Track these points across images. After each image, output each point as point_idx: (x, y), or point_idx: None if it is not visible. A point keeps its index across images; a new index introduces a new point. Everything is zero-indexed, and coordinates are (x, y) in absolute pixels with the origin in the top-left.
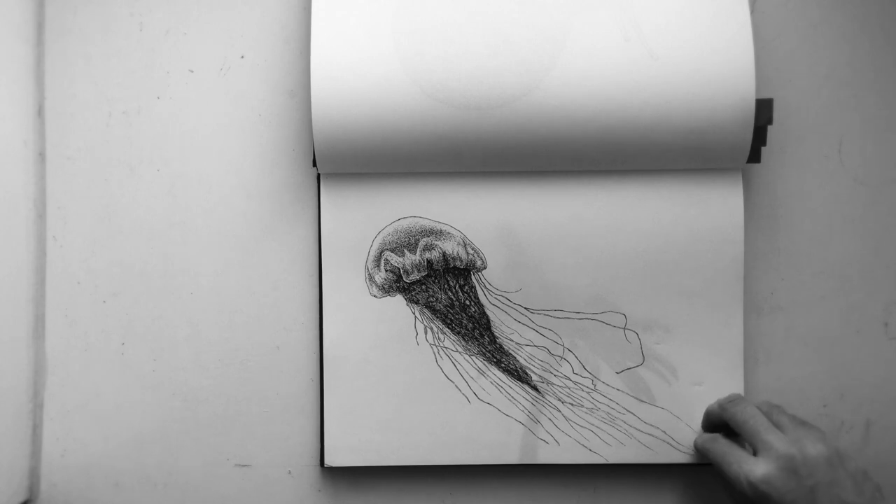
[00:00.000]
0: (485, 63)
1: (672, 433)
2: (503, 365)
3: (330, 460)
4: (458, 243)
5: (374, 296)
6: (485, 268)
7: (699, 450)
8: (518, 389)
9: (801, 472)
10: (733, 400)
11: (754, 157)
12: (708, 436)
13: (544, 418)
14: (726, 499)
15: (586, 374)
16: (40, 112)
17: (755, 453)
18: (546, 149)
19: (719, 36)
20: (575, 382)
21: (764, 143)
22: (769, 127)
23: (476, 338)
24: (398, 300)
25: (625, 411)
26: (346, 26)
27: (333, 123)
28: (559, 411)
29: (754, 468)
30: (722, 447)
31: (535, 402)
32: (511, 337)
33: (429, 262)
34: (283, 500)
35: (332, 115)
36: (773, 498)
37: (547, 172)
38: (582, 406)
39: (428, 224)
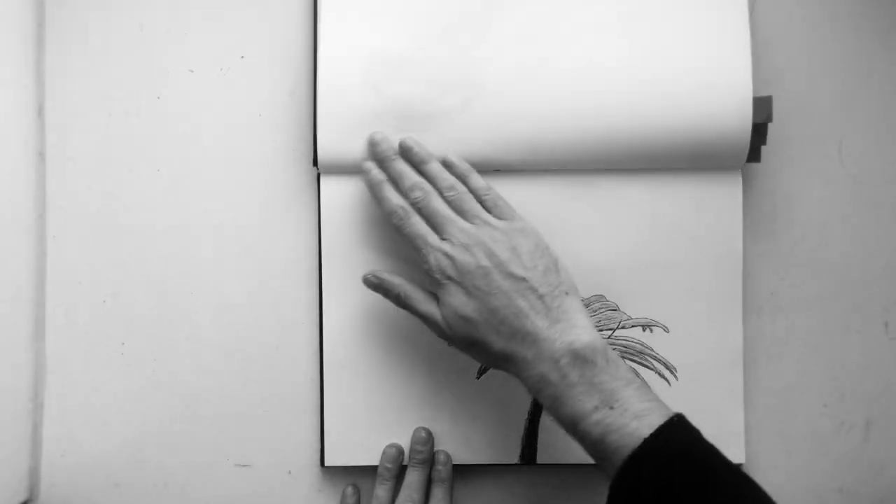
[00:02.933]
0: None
1: None
2: None
3: (330, 460)
4: None
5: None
6: None
7: (371, 285)
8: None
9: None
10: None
11: (754, 156)
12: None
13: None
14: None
15: None
16: (40, 112)
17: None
18: (544, 149)
19: (717, 35)
20: None
21: (764, 141)
22: (769, 127)
23: None
24: None
25: None
26: (354, 27)
27: (336, 123)
28: None
29: (440, 310)
30: (406, 287)
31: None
32: None
33: None
34: (283, 500)
35: (335, 114)
36: (467, 333)
37: (545, 172)
38: None
39: None
